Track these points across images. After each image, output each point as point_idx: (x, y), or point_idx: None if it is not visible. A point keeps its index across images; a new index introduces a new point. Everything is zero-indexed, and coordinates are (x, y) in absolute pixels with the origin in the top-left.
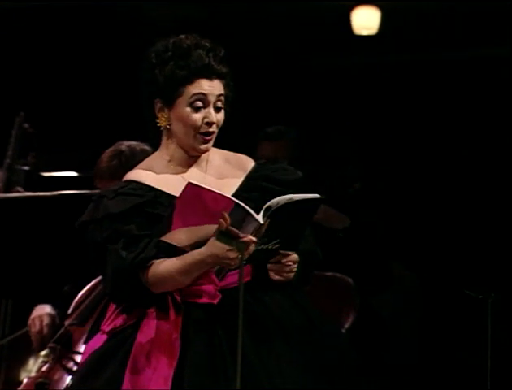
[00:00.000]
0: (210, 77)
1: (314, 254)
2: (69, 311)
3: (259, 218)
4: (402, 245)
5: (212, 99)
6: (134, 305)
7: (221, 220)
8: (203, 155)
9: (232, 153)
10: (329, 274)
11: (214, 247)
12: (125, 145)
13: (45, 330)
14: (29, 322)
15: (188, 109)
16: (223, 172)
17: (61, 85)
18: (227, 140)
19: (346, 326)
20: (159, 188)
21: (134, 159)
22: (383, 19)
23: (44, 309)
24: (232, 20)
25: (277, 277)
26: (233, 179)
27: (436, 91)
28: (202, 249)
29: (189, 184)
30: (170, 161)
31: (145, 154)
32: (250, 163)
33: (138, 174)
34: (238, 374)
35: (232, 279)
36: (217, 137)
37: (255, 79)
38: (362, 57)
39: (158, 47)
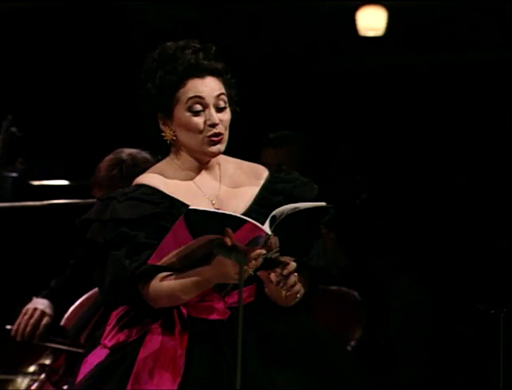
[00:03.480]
0: (201, 76)
1: (327, 271)
2: (61, 324)
3: (267, 229)
4: (411, 259)
5: (211, 100)
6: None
7: (226, 238)
8: (216, 164)
9: (245, 162)
10: (334, 288)
11: (222, 265)
12: (126, 153)
13: (41, 329)
14: (25, 310)
15: (188, 114)
16: (238, 181)
17: (51, 87)
18: (230, 146)
19: (352, 343)
20: (173, 195)
21: (136, 168)
22: (389, 19)
23: (46, 306)
24: (233, 22)
25: (286, 293)
26: (248, 189)
27: (447, 94)
28: (208, 267)
29: (188, 210)
30: (181, 168)
31: (146, 163)
32: (264, 172)
33: (150, 178)
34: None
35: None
36: None
37: (257, 82)
38: (368, 59)
39: (146, 61)
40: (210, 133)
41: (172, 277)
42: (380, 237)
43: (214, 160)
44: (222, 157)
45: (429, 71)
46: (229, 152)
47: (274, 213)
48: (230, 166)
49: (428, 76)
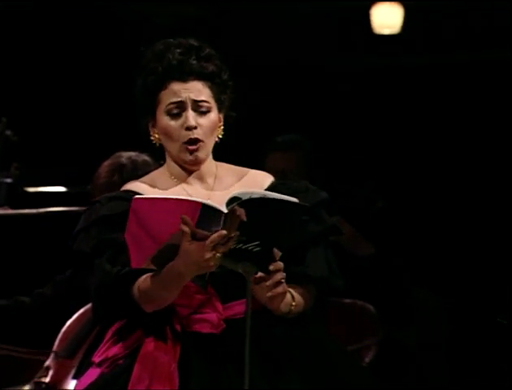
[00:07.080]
0: (184, 79)
1: (326, 281)
2: (55, 342)
3: (222, 208)
4: (428, 271)
5: (190, 104)
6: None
7: (183, 226)
8: (211, 172)
9: (246, 170)
10: (348, 301)
11: (187, 255)
12: (125, 157)
13: None
14: None
15: (166, 117)
16: (234, 190)
17: (48, 88)
18: (232, 150)
19: (367, 359)
20: None
21: (136, 172)
22: (406, 17)
23: None
24: (241, 20)
25: (269, 293)
26: None
27: (467, 94)
28: (177, 261)
29: (134, 199)
30: (171, 176)
31: (147, 166)
32: (267, 180)
33: (138, 186)
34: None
35: (239, 308)
36: (220, 147)
37: (265, 82)
38: (383, 58)
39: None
40: (186, 139)
41: (149, 278)
42: (396, 247)
43: (209, 168)
44: (220, 165)
45: (449, 73)
46: (232, 156)
47: (236, 194)
48: (228, 173)
49: (448, 78)
